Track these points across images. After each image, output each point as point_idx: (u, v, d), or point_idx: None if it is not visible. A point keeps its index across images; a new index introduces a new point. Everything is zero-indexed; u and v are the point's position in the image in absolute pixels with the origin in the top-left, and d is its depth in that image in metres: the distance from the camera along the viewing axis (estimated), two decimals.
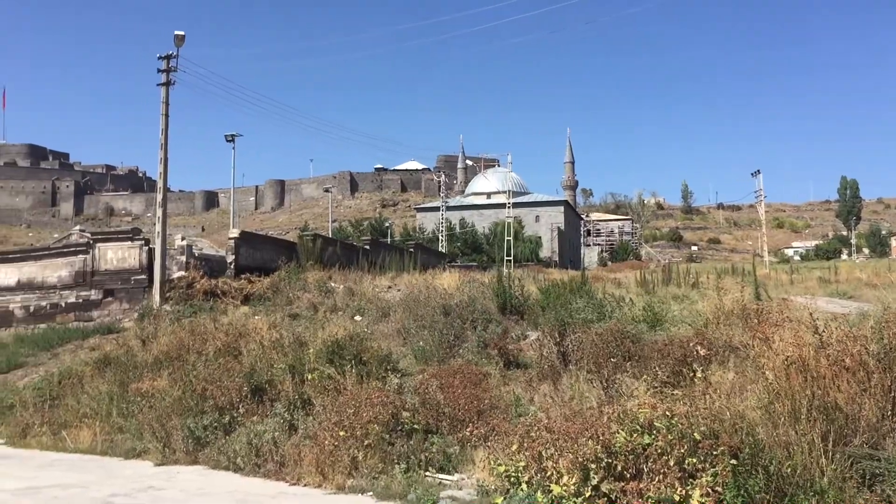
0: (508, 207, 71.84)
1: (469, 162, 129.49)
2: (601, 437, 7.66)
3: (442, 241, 72.60)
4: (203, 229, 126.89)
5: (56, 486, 10.87)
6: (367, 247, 38.10)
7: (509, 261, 58.73)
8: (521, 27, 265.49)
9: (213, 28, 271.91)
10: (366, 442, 10.38)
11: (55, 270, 28.35)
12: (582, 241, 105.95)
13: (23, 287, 28.70)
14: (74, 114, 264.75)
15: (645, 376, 11.33)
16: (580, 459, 7.61)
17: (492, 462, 9.02)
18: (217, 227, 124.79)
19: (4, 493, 10.49)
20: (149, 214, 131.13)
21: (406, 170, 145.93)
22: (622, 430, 7.70)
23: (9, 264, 29.32)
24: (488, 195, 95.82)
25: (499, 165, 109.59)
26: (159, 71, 26.12)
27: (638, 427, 7.69)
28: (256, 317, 21.02)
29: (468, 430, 10.52)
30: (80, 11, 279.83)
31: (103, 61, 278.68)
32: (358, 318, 20.56)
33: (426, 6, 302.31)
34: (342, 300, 23.04)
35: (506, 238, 66.47)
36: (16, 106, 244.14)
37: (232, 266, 28.00)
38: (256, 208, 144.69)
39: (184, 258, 27.76)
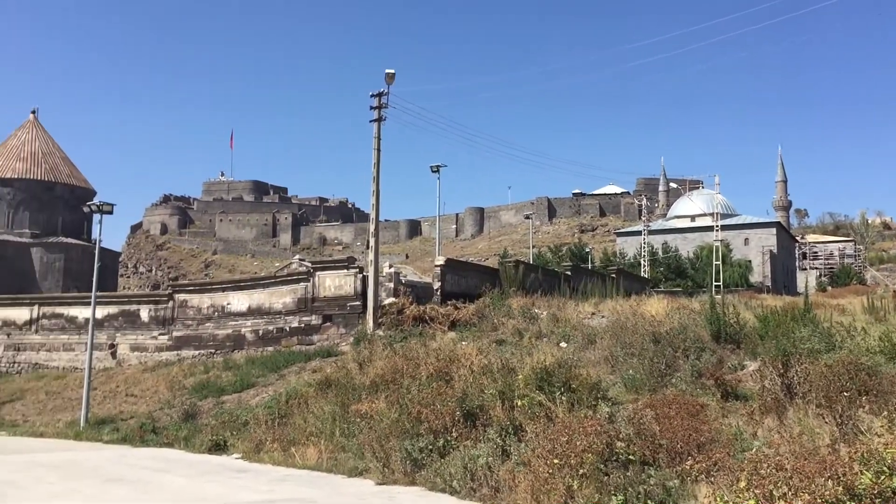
0: (716, 230, 68.76)
1: (671, 184, 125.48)
2: (842, 478, 7.11)
3: (644, 266, 70.73)
4: (407, 257, 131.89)
5: (290, 499, 11.68)
6: (569, 272, 37.97)
7: (717, 286, 56.06)
8: (719, 47, 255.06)
9: (418, 63, 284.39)
10: (580, 471, 10.28)
11: (280, 297, 30.67)
12: (797, 264, 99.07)
13: (252, 312, 31.29)
14: (292, 151, 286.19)
15: (885, 413, 10.39)
16: (818, 501, 7.10)
17: (717, 499, 8.61)
18: (419, 255, 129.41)
19: None
20: (358, 243, 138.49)
21: (604, 194, 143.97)
22: (867, 471, 7.11)
23: (241, 292, 32.12)
24: (692, 218, 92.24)
25: (703, 187, 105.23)
26: (371, 108, 27.68)
27: (885, 468, 7.07)
28: (464, 342, 21.52)
29: (688, 463, 10.13)
30: (292, 59, 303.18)
31: (317, 101, 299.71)
32: (563, 344, 20.49)
33: (617, 32, 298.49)
34: (546, 326, 23.08)
35: (713, 262, 63.60)
36: (242, 146, 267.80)
37: (438, 292, 28.91)
38: (457, 235, 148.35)
39: (392, 285, 29.05)
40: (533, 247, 72.54)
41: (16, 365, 36.68)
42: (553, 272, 37.89)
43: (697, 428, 11.22)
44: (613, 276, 41.56)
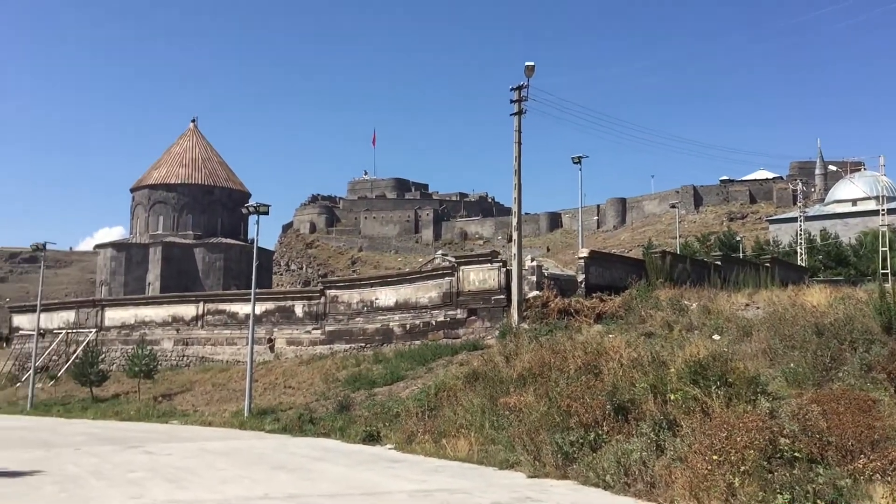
0: (882, 214, 64.19)
1: (829, 167, 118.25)
2: None
3: (801, 254, 67.05)
4: (548, 249, 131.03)
5: (443, 490, 11.93)
6: (718, 262, 36.56)
7: (885, 274, 52.36)
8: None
9: (557, 55, 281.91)
10: (742, 468, 9.92)
11: (426, 292, 31.30)
12: None
13: (400, 307, 32.11)
14: (433, 147, 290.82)
15: None
16: None
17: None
18: (560, 248, 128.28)
19: (402, 493, 11.78)
20: (499, 237, 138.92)
21: (754, 180, 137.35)
22: None
23: (388, 287, 33.02)
24: (854, 202, 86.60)
25: (865, 169, 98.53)
26: (511, 101, 27.67)
27: None
28: (611, 335, 21.18)
29: (860, 461, 9.56)
30: (432, 56, 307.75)
31: (457, 97, 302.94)
32: (716, 337, 19.75)
33: (760, 9, 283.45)
34: (697, 318, 22.33)
35: (880, 249, 59.42)
36: (384, 144, 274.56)
37: (582, 285, 28.61)
38: (598, 227, 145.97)
39: (535, 278, 28.96)
40: (679, 237, 70.30)
41: (185, 358, 39.40)
42: (702, 262, 36.58)
43: (870, 424, 10.56)
44: (767, 265, 39.63)
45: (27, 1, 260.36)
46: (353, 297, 34.11)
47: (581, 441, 13.12)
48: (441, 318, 30.36)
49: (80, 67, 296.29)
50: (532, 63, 26.56)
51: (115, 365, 40.40)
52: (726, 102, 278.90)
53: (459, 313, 29.80)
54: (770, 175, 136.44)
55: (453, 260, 33.88)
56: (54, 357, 44.67)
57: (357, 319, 33.54)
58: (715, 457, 10.15)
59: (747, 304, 23.96)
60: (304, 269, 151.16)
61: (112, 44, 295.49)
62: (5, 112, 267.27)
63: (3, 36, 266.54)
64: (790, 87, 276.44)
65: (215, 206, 68.80)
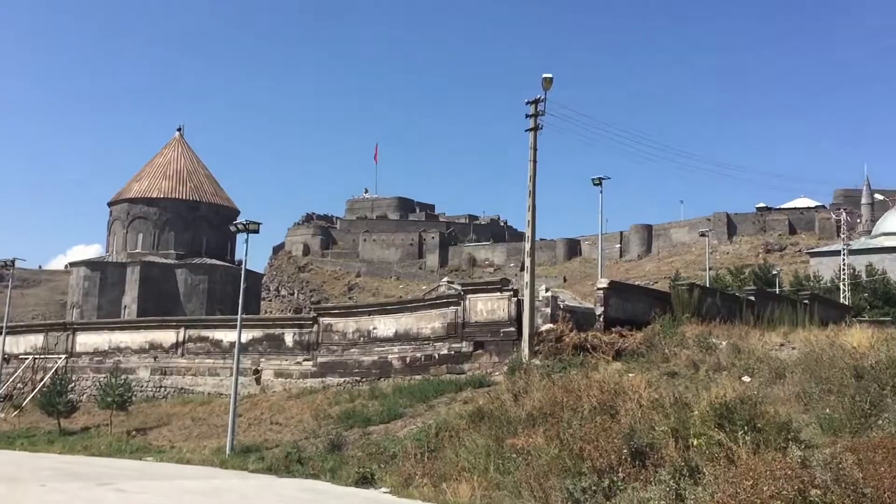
0: None
1: (877, 196, 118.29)
2: None
3: (844, 291, 67.06)
4: (565, 279, 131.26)
5: None
6: (752, 297, 36.66)
7: None
8: None
9: (575, 68, 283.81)
10: None
11: (429, 322, 31.50)
12: None
13: (399, 338, 32.28)
14: (439, 165, 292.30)
15: None
16: None
17: None
18: (579, 277, 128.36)
19: None
20: (511, 265, 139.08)
21: (794, 208, 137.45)
22: None
23: (388, 315, 33.22)
24: None
25: None
26: (527, 116, 28.00)
27: None
28: (630, 374, 21.32)
29: None
30: (438, 68, 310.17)
31: (466, 112, 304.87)
32: (746, 378, 19.90)
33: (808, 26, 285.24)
34: (726, 358, 22.47)
35: None
36: (386, 160, 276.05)
37: (601, 318, 28.73)
38: (621, 256, 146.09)
39: (549, 310, 29.13)
40: (710, 268, 70.46)
41: (162, 389, 39.55)
42: (733, 297, 36.69)
43: None
44: (806, 301, 39.71)
45: None
46: (348, 326, 34.31)
47: (594, 488, 13.25)
48: (445, 351, 30.52)
49: (52, 70, 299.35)
50: (550, 75, 26.91)
51: (85, 395, 40.60)
52: (764, 123, 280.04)
53: (465, 346, 29.97)
54: (812, 203, 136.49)
55: (459, 288, 34.09)
56: (19, 385, 44.91)
57: (352, 351, 33.71)
58: None
59: (782, 344, 24.08)
60: (295, 294, 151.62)
61: (87, 45, 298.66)
62: None
63: None
64: (835, 107, 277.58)
65: (200, 224, 69.33)
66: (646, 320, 28.07)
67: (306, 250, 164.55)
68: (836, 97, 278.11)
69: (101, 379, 38.74)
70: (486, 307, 29.84)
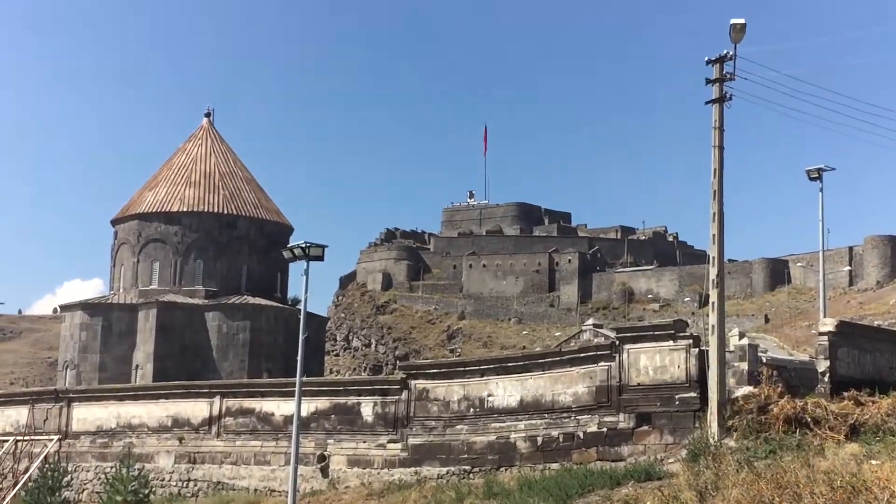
0: None
1: None
2: None
3: None
4: (767, 320, 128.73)
5: None
6: None
7: None
8: None
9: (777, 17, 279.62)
10: None
11: (568, 385, 31.36)
12: None
13: (526, 409, 32.22)
14: (573, 161, 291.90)
15: None
16: None
17: None
18: (788, 316, 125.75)
19: None
20: (686, 299, 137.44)
21: None
22: None
23: (508, 376, 33.20)
24: None
25: None
26: (707, 82, 27.75)
27: None
28: (874, 461, 20.81)
29: None
30: (565, 29, 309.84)
31: (608, 84, 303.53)
32: None
33: None
34: None
35: None
36: (499, 156, 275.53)
37: (825, 378, 28.15)
38: (852, 283, 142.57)
39: (746, 366, 28.65)
40: None
41: (191, 483, 40.43)
42: None
43: None
44: None
45: None
46: (452, 391, 34.47)
47: None
48: (593, 428, 30.33)
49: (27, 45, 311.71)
50: (741, 21, 26.58)
51: (86, 491, 41.75)
52: None
53: (623, 420, 29.72)
54: None
55: (612, 335, 33.90)
56: None
57: (459, 427, 33.85)
58: None
59: None
60: (373, 345, 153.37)
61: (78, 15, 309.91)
62: None
63: None
64: None
65: (239, 247, 70.58)
66: (894, 380, 27.40)
67: (388, 282, 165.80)
68: None
69: (108, 469, 39.76)
70: (653, 363, 29.54)
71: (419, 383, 35.70)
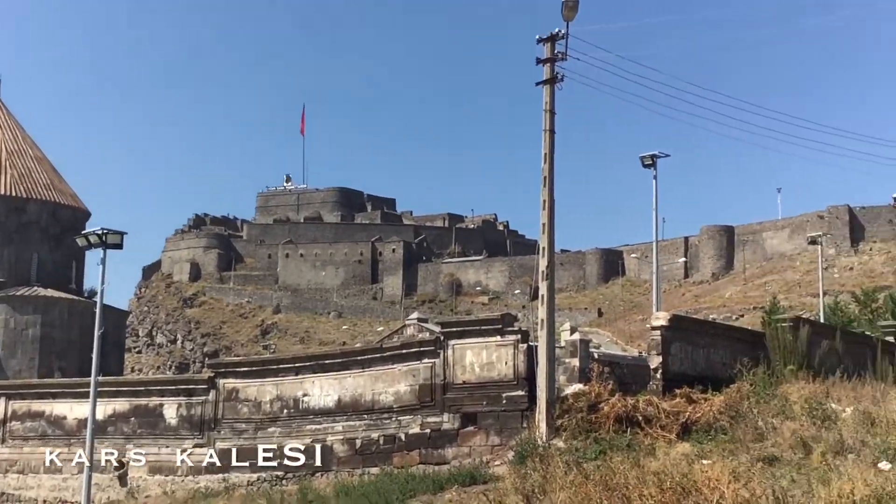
0: None
1: None
2: None
3: None
4: (600, 313, 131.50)
5: None
6: (892, 339, 37.02)
7: None
8: None
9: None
10: None
11: (390, 383, 31.37)
12: None
13: (345, 409, 32.09)
14: (399, 145, 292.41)
15: None
16: None
17: None
18: (622, 309, 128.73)
19: None
20: (516, 291, 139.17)
21: None
22: None
23: (325, 375, 32.99)
24: None
25: None
26: (539, 62, 28.03)
27: None
28: (706, 461, 21.38)
29: None
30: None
31: (437, 67, 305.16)
32: (885, 465, 20.04)
33: None
34: (853, 434, 22.61)
35: None
36: (318, 138, 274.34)
37: (658, 374, 28.79)
38: (687, 275, 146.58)
39: (577, 362, 29.16)
40: (824, 293, 70.91)
41: None
42: (863, 338, 36.99)
43: None
44: None
45: None
46: (264, 391, 34.15)
47: None
48: (416, 429, 30.40)
49: None
50: None
51: None
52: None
53: (447, 420, 29.88)
54: None
55: (437, 329, 34.04)
56: None
57: (271, 430, 33.55)
58: None
59: None
60: (179, 341, 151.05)
61: None
62: None
63: None
64: None
65: (29, 234, 68.54)
66: (727, 376, 28.17)
67: (196, 272, 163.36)
68: None
69: None
70: (480, 359, 29.73)
71: (228, 383, 35.25)
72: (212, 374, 36.57)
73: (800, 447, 22.04)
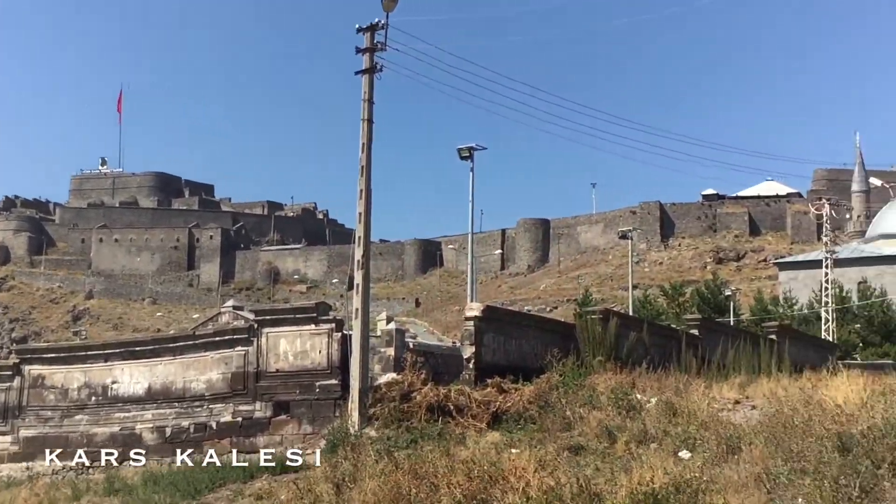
0: None
1: (873, 181, 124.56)
2: None
3: (828, 320, 70.35)
4: (418, 304, 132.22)
5: None
6: (696, 332, 38.01)
7: None
8: None
9: None
10: None
11: (203, 371, 31.01)
12: None
13: (155, 397, 31.64)
14: (221, 130, 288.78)
15: None
16: None
17: None
18: (439, 300, 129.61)
19: None
20: (334, 280, 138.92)
21: (758, 197, 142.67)
22: None
23: (136, 362, 32.47)
24: None
25: None
26: (358, 51, 28.02)
27: None
28: (514, 450, 21.63)
29: None
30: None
31: (258, 51, 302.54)
32: (685, 454, 20.55)
33: None
34: (656, 423, 23.14)
35: None
36: (136, 121, 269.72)
37: (471, 365, 29.01)
38: (503, 267, 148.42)
39: (392, 352, 29.24)
40: (635, 286, 72.60)
41: None
42: (669, 330, 37.97)
43: None
44: (773, 336, 41.48)
45: None
46: (71, 378, 33.43)
47: None
48: (227, 417, 30.15)
49: None
50: None
51: None
52: (715, 77, 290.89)
53: (259, 409, 29.69)
54: (783, 189, 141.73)
55: (251, 317, 33.74)
56: None
57: (78, 418, 32.87)
58: None
59: (737, 402, 25.03)
60: None
61: None
62: None
63: None
64: (825, 54, 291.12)
65: None
66: (538, 366, 28.53)
67: (5, 256, 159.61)
68: (827, 42, 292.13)
69: None
70: (294, 348, 29.64)
71: (34, 369, 34.37)
72: (17, 361, 35.65)
73: (605, 436, 22.46)
